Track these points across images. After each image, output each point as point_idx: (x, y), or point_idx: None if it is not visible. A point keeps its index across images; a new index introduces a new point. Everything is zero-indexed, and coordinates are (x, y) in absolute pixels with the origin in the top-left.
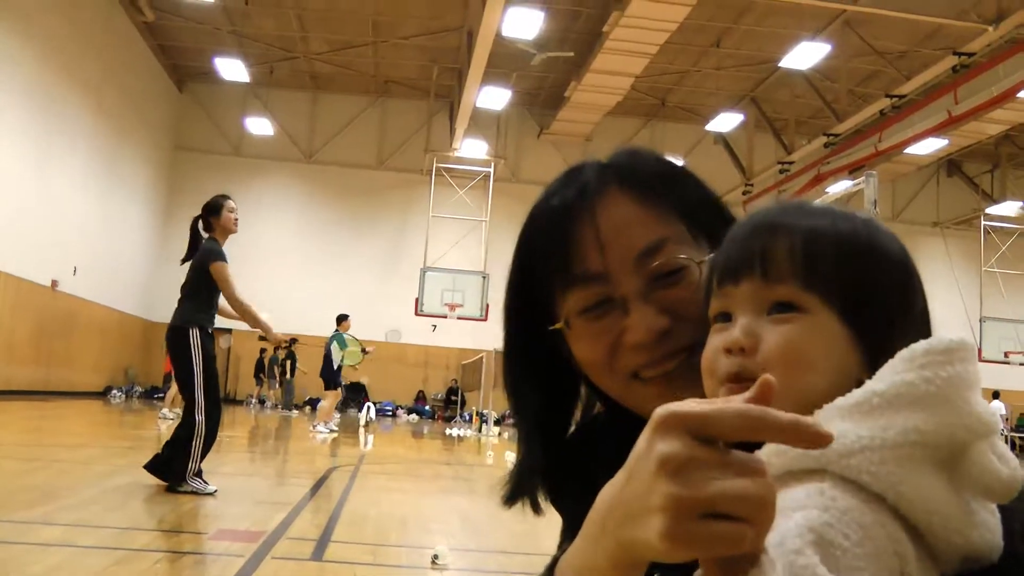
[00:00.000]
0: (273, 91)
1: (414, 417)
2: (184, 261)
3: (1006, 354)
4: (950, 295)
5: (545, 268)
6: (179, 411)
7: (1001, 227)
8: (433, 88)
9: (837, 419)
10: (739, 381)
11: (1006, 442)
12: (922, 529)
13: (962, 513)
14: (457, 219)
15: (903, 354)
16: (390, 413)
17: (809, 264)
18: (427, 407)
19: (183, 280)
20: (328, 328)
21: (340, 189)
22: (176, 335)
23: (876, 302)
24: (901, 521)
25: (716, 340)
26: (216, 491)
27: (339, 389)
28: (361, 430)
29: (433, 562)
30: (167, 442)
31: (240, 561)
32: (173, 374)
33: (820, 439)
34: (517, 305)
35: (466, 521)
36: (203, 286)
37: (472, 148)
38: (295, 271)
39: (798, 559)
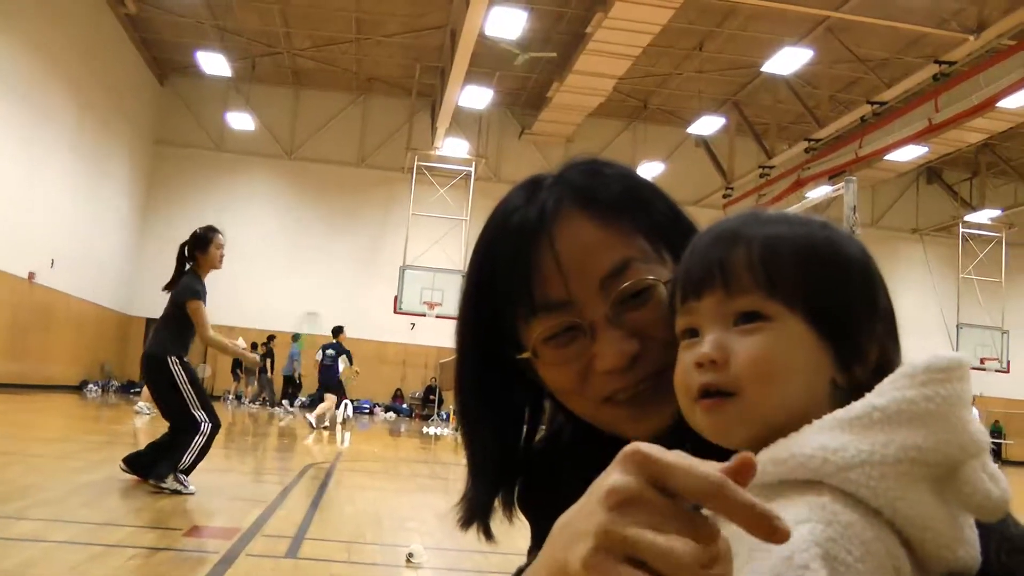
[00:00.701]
0: (255, 86)
1: (391, 415)
2: (166, 289)
3: (982, 360)
4: (928, 301)
5: (506, 295)
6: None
7: (979, 235)
8: (415, 87)
9: (837, 431)
10: (710, 395)
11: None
12: (915, 544)
13: (953, 530)
14: (437, 218)
15: (904, 370)
16: (367, 411)
17: (769, 272)
18: (405, 405)
19: (165, 308)
20: (305, 325)
21: (321, 186)
22: (154, 364)
23: (839, 302)
24: (897, 535)
25: (686, 357)
26: (195, 491)
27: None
28: (338, 428)
29: (408, 560)
30: (152, 444)
31: (215, 558)
32: (157, 401)
33: (777, 534)
34: (474, 331)
35: (442, 519)
36: (180, 320)
37: (453, 147)
38: (274, 268)
39: (805, 574)
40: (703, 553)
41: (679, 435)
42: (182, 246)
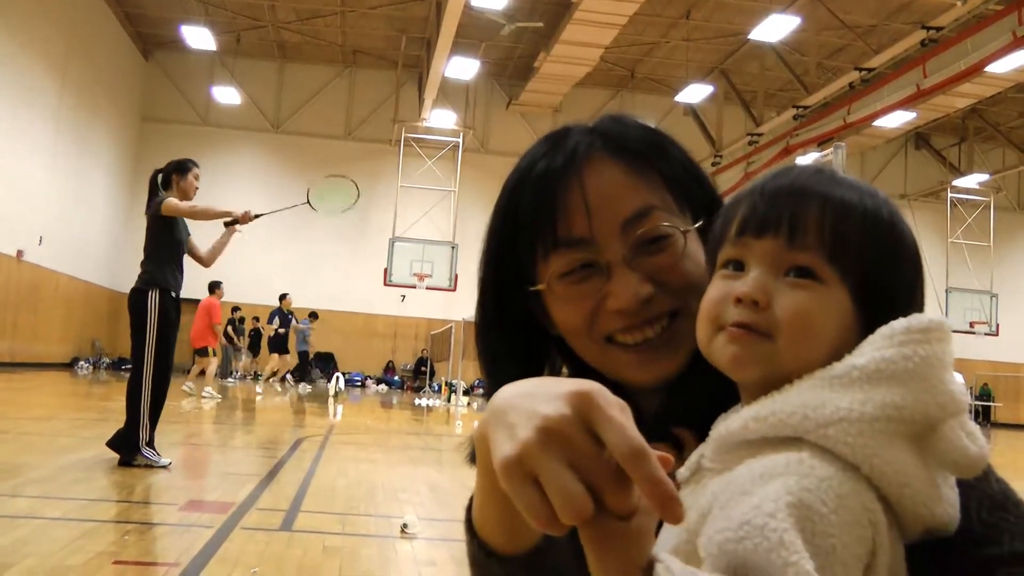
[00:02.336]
0: (240, 60)
1: (383, 388)
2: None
3: (972, 324)
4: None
5: (529, 231)
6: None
7: (967, 199)
8: (401, 58)
9: (817, 389)
10: (744, 328)
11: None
12: (892, 500)
13: (930, 487)
14: (426, 189)
15: (883, 331)
16: (359, 384)
17: (837, 237)
18: (396, 377)
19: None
20: (300, 299)
21: (308, 159)
22: (135, 296)
23: (889, 286)
24: (875, 492)
25: (724, 287)
26: (170, 463)
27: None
28: (330, 401)
29: (402, 531)
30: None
31: (209, 532)
32: (133, 335)
33: (672, 516)
34: (495, 268)
35: (435, 491)
36: (160, 244)
37: (441, 119)
38: (262, 241)
39: (770, 521)
40: (617, 503)
41: (683, 388)
42: (155, 173)
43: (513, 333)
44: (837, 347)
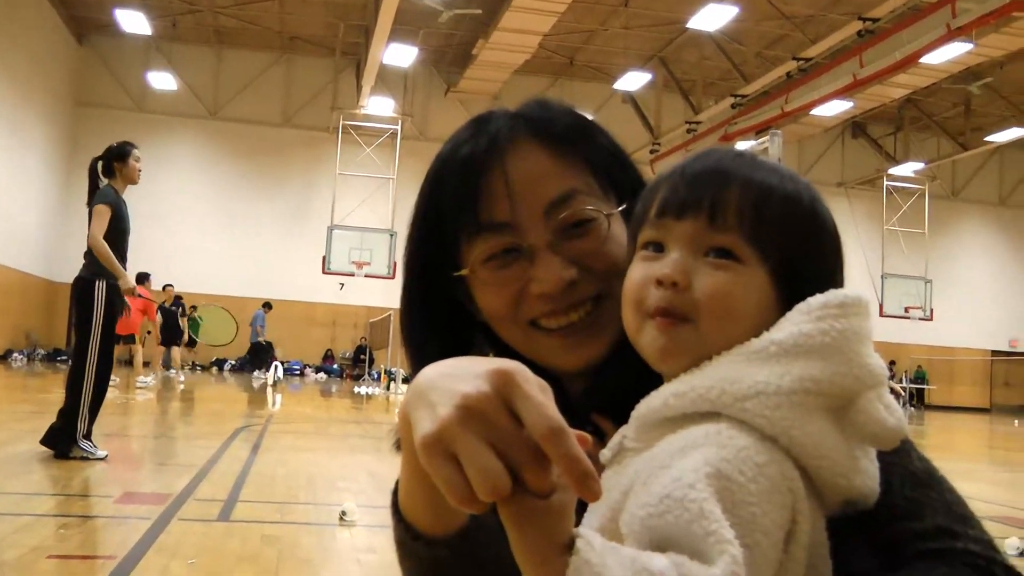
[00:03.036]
0: (176, 45)
1: (322, 376)
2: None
3: (907, 309)
4: (853, 253)
5: (452, 216)
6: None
7: (903, 187)
8: (339, 45)
9: (735, 364)
10: (667, 316)
11: (905, 393)
12: (811, 472)
13: (848, 459)
14: (364, 177)
15: (800, 307)
16: (298, 373)
17: (757, 219)
18: (335, 366)
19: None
20: (237, 288)
21: (245, 146)
22: (81, 285)
23: (808, 267)
24: (793, 463)
25: (644, 269)
26: (107, 455)
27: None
28: (269, 390)
29: (341, 519)
30: (60, 411)
31: (146, 524)
32: (77, 325)
33: (588, 493)
34: (419, 254)
35: (374, 478)
36: (105, 234)
37: (379, 106)
38: (199, 229)
39: (690, 492)
40: (536, 481)
41: (608, 371)
42: (94, 161)
43: (438, 319)
44: (758, 326)
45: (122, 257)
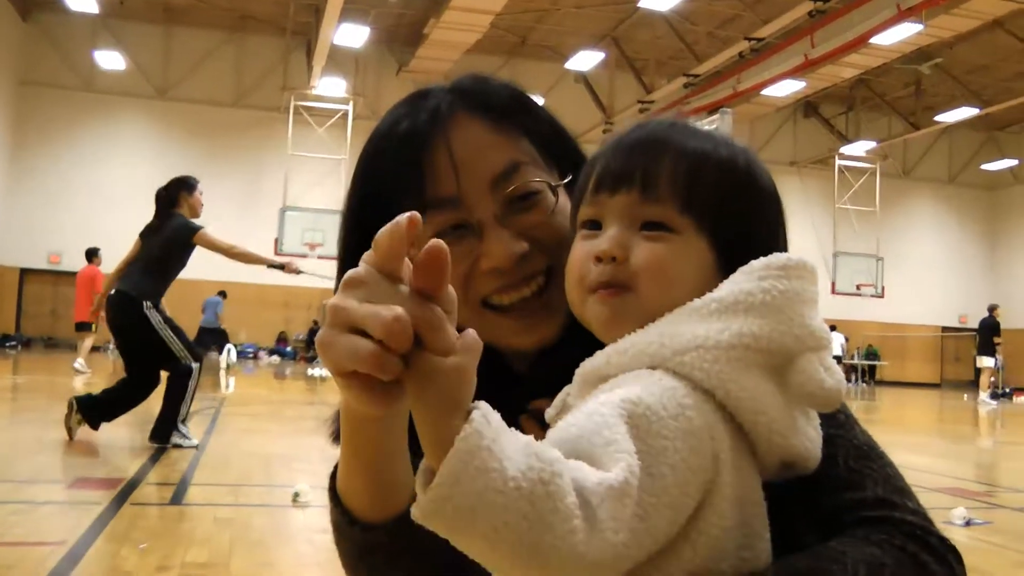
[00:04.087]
0: (124, 23)
1: (276, 359)
2: (146, 233)
3: (859, 287)
4: (805, 231)
5: (395, 194)
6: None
7: (854, 166)
8: (290, 25)
9: (676, 323)
10: (608, 287)
11: (855, 371)
12: (746, 427)
13: (786, 418)
14: (316, 158)
15: (743, 268)
16: (251, 355)
17: (689, 189)
18: (289, 348)
19: (144, 251)
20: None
21: (195, 127)
22: (129, 306)
23: (747, 233)
24: (726, 416)
25: (585, 247)
26: (197, 443)
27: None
28: (222, 373)
29: (294, 500)
30: (106, 392)
31: (98, 509)
32: (125, 344)
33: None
34: (358, 234)
35: (328, 460)
36: (167, 264)
37: (330, 86)
38: (148, 211)
39: (600, 408)
40: (435, 338)
41: (556, 349)
42: (160, 190)
43: None
44: (695, 293)
45: (169, 281)
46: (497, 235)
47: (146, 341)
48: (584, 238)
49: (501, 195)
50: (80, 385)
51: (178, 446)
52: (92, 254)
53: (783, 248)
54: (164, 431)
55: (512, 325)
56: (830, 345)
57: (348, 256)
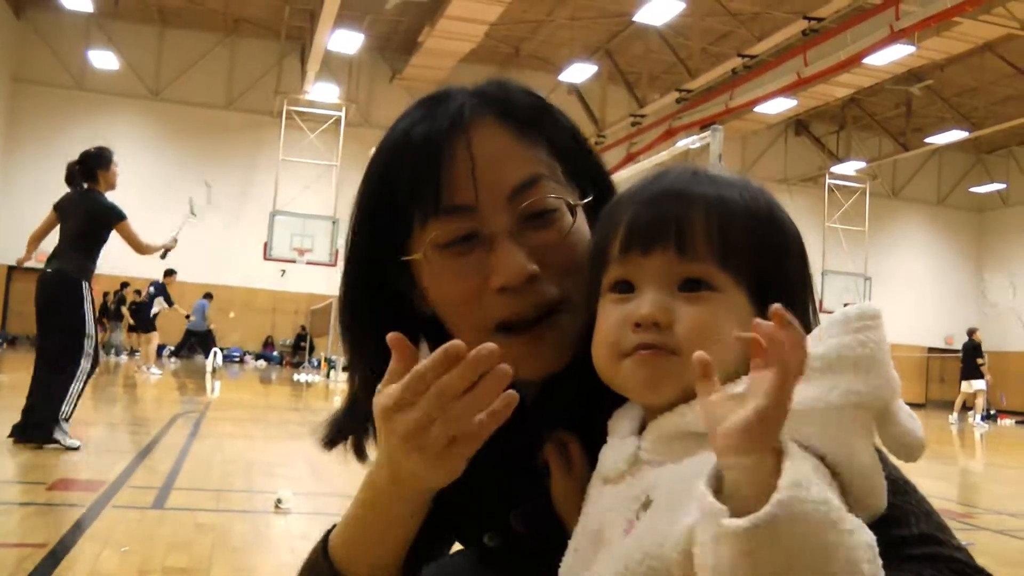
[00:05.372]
0: (118, 23)
1: (262, 363)
2: (59, 207)
3: (845, 305)
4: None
5: (408, 198)
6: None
7: (844, 185)
8: (284, 29)
9: None
10: (649, 349)
11: None
12: (846, 487)
13: (880, 476)
14: (307, 163)
15: (835, 318)
16: (238, 359)
17: (726, 242)
18: (275, 353)
19: (71, 227)
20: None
21: (187, 129)
22: (68, 285)
23: (782, 279)
24: (831, 475)
25: (618, 311)
26: (79, 446)
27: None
28: (207, 376)
29: (276, 506)
30: (27, 406)
31: (79, 511)
32: (48, 323)
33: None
34: (367, 238)
35: (311, 466)
36: (96, 239)
37: (323, 92)
38: (138, 212)
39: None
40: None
41: (562, 380)
42: (72, 165)
43: (381, 310)
44: (744, 352)
45: (96, 259)
46: (509, 250)
47: (74, 316)
48: (615, 302)
49: (517, 208)
50: None
51: (58, 443)
52: None
53: (811, 284)
54: (46, 428)
55: (522, 350)
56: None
57: (356, 260)
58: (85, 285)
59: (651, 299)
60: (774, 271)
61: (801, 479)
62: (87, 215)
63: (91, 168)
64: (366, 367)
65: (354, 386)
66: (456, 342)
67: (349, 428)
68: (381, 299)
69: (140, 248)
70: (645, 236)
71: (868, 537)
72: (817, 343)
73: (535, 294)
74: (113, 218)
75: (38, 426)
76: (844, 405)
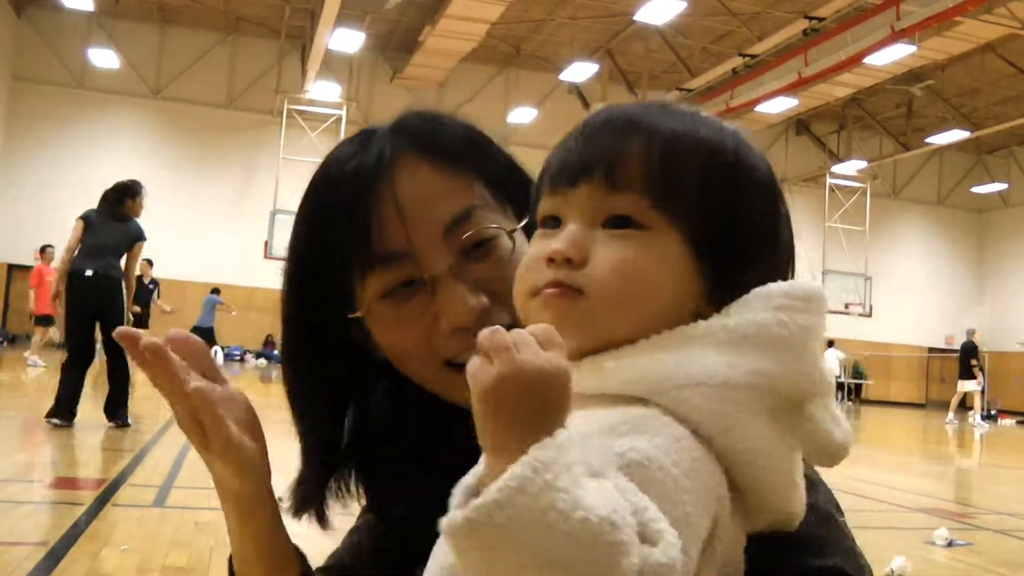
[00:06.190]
0: (119, 22)
1: (263, 362)
2: (98, 216)
3: (847, 305)
4: (795, 248)
5: (340, 248)
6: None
7: (845, 185)
8: (285, 28)
9: (677, 346)
10: (555, 288)
11: (841, 389)
12: (742, 484)
13: (787, 474)
14: (308, 162)
15: (759, 292)
16: (238, 358)
17: (664, 175)
18: (276, 351)
19: (103, 235)
20: (178, 271)
21: (188, 127)
22: (115, 288)
23: (734, 230)
24: (723, 470)
25: (539, 247)
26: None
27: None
28: None
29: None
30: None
31: (79, 510)
32: (97, 323)
33: None
34: (301, 293)
35: None
36: (125, 250)
37: (324, 91)
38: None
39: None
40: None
41: None
42: (107, 192)
43: (330, 366)
44: (672, 306)
45: None
46: (455, 291)
47: (122, 313)
48: (540, 237)
49: (455, 244)
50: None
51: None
52: (44, 249)
53: (785, 253)
54: (121, 410)
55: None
56: (833, 391)
57: (297, 319)
58: (123, 287)
59: (567, 233)
60: (728, 219)
61: (532, 474)
62: (129, 233)
63: (122, 197)
64: (315, 434)
65: (305, 453)
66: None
67: (309, 501)
68: (330, 355)
69: (133, 271)
70: (575, 165)
71: (659, 556)
72: (727, 315)
73: (487, 326)
74: (142, 236)
75: None
76: (744, 385)
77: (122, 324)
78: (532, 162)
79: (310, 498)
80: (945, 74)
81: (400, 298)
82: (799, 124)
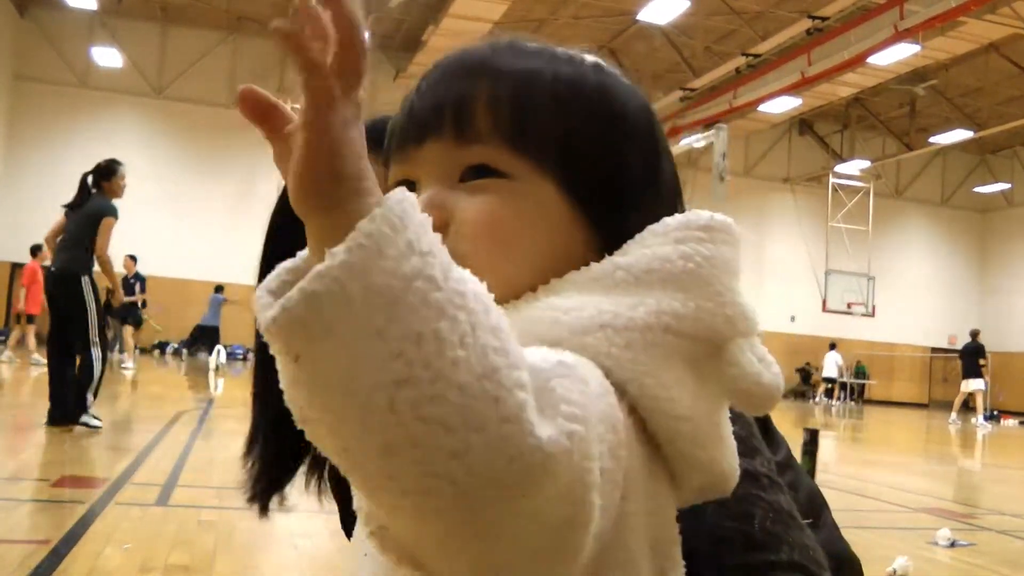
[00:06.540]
0: (121, 21)
1: None
2: (70, 207)
3: (849, 305)
4: (798, 248)
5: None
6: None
7: (848, 185)
8: None
9: (572, 291)
10: None
11: (844, 389)
12: (662, 438)
13: (711, 424)
14: None
15: (654, 227)
16: (241, 357)
17: (519, 117)
18: None
19: (69, 227)
20: (181, 270)
21: (191, 126)
22: (69, 282)
23: (607, 168)
24: (636, 419)
25: None
26: (101, 426)
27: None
28: (211, 374)
29: (279, 504)
30: (60, 392)
31: (82, 508)
32: (62, 318)
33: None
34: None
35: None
36: (90, 236)
37: None
38: (142, 210)
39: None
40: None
41: None
42: (85, 175)
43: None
44: (554, 254)
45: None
46: None
47: (81, 313)
48: None
49: None
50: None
51: (88, 425)
52: (36, 250)
53: (669, 195)
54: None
55: None
56: (760, 329)
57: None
58: (85, 281)
59: (424, 197)
60: (599, 158)
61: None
62: (87, 213)
63: (96, 180)
64: (269, 421)
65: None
66: None
67: (268, 490)
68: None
69: (101, 250)
70: (420, 122)
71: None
72: (623, 254)
73: None
74: (106, 212)
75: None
76: (652, 326)
77: (84, 316)
78: None
79: (269, 490)
80: (949, 74)
81: None
82: (802, 124)
